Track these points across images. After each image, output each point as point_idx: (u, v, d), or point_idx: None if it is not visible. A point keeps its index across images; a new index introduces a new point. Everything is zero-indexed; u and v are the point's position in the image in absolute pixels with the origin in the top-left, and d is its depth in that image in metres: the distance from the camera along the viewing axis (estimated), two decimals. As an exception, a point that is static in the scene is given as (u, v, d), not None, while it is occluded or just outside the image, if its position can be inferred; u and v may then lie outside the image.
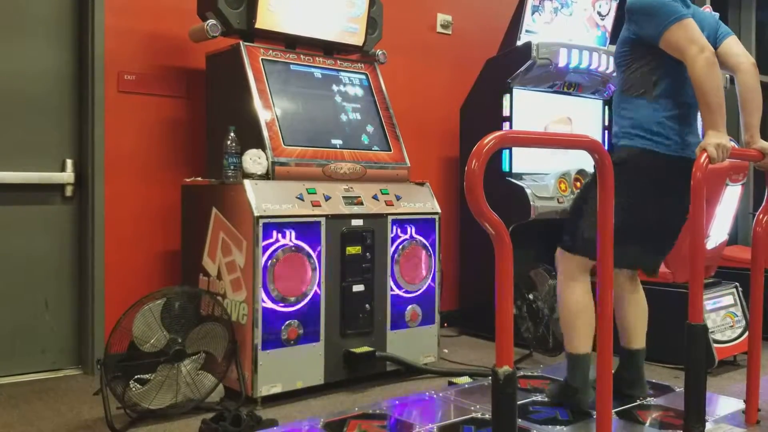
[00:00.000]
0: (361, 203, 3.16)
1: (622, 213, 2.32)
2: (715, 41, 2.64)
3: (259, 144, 3.01)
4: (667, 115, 2.55)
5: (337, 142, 3.28)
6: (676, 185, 2.53)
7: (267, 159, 2.98)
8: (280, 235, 2.88)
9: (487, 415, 2.61)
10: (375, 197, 3.23)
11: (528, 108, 4.06)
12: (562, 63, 3.97)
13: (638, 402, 2.80)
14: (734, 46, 2.65)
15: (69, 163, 3.36)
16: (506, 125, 3.97)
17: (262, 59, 3.21)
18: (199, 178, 3.29)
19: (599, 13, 4.37)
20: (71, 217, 3.40)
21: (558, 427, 2.53)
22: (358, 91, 3.52)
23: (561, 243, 2.73)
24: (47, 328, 3.33)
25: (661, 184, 2.56)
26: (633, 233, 2.51)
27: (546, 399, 2.83)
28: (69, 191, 3.37)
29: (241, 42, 3.20)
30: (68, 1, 3.37)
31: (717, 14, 2.86)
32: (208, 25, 3.13)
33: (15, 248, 3.25)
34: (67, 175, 3.35)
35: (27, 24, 3.26)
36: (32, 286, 3.29)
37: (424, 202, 3.39)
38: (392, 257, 3.25)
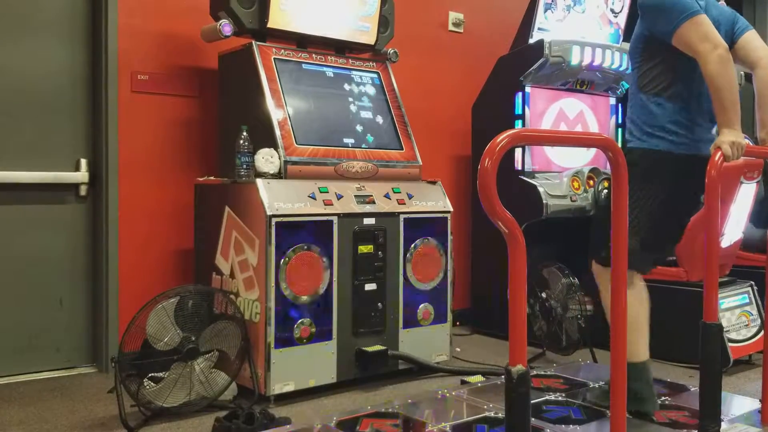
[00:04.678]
0: (373, 202, 3.16)
1: (647, 215, 2.27)
2: (732, 36, 2.59)
3: (272, 143, 3.02)
4: (681, 113, 2.50)
5: (349, 140, 3.28)
6: (688, 183, 2.50)
7: (279, 158, 2.99)
8: (292, 234, 2.88)
9: (500, 414, 2.60)
10: (387, 196, 3.22)
11: (541, 106, 4.04)
12: (574, 61, 3.95)
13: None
14: (754, 41, 2.59)
15: (83, 162, 3.38)
16: (519, 123, 3.97)
17: (274, 58, 3.22)
18: (212, 177, 3.30)
19: (612, 11, 4.34)
20: (85, 217, 3.43)
21: (572, 426, 2.52)
22: (370, 90, 3.52)
23: (598, 258, 2.53)
24: (62, 326, 3.36)
25: (675, 182, 2.53)
26: (654, 234, 2.48)
27: (560, 398, 2.80)
28: (83, 191, 3.39)
29: (253, 41, 3.21)
30: (82, 1, 3.39)
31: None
32: (220, 24, 3.15)
33: (29, 247, 3.27)
34: (81, 175, 3.37)
35: (41, 24, 3.29)
36: (47, 284, 3.32)
37: (436, 200, 3.39)
38: (404, 256, 3.25)
